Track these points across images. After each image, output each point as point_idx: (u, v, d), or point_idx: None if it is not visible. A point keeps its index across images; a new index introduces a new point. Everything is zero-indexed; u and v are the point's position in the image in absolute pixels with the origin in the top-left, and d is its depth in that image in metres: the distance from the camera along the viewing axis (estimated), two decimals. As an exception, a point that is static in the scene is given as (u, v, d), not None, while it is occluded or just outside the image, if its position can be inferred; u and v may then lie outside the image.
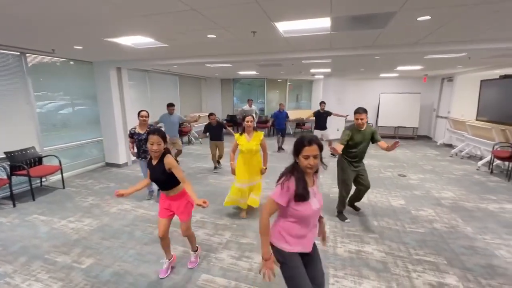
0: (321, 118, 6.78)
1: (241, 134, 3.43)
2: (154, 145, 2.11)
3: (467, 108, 7.46)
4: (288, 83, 11.11)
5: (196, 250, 2.55)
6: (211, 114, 5.58)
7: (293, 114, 10.51)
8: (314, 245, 1.66)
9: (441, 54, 4.58)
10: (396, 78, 9.89)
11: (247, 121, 3.35)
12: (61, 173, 4.62)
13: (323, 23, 2.81)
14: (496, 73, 6.48)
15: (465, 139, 6.77)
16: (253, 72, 8.42)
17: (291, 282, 1.55)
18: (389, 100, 9.72)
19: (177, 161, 6.56)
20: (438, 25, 2.87)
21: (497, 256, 2.68)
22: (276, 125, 7.45)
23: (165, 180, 2.20)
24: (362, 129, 3.16)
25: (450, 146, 7.85)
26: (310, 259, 1.63)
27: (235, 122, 10.62)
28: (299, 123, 10.47)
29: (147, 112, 3.87)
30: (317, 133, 6.79)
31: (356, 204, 3.69)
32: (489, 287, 2.25)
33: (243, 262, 2.58)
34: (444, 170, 5.64)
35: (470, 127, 6.53)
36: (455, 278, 2.36)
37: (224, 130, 5.66)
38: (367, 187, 3.38)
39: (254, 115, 7.41)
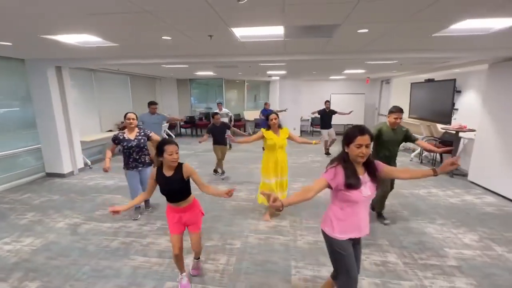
0: (326, 117, 6.90)
1: (267, 130, 3.40)
2: (173, 154, 2.00)
3: (401, 107, 8.55)
4: (246, 83, 11.27)
5: (199, 258, 2.51)
6: (215, 114, 5.11)
7: (251, 115, 10.74)
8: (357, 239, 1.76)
9: (378, 60, 5.20)
10: (344, 80, 10.81)
11: (272, 119, 3.35)
12: (-11, 188, 3.99)
13: (277, 30, 2.98)
14: (423, 77, 7.58)
15: (400, 134, 7.76)
16: (210, 73, 8.34)
17: (341, 268, 1.68)
18: (338, 100, 10.57)
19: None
20: (374, 37, 3.28)
21: (426, 233, 3.19)
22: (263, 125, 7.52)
23: (181, 190, 2.12)
24: (394, 128, 3.20)
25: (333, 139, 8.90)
26: (358, 247, 1.76)
27: (194, 124, 10.39)
28: (258, 123, 10.72)
29: (134, 114, 3.36)
30: (323, 132, 6.87)
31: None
32: (420, 260, 2.68)
33: (209, 265, 2.60)
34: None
35: (404, 124, 7.51)
36: (395, 256, 2.75)
37: (227, 131, 5.10)
38: (390, 190, 3.47)
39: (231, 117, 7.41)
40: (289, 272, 2.49)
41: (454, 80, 6.17)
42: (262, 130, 3.41)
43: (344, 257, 1.65)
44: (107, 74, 7.22)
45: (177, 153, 2.04)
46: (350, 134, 1.56)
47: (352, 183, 1.54)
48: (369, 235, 1.76)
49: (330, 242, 1.69)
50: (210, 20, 2.59)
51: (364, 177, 1.61)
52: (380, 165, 1.67)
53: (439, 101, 6.62)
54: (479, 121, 4.86)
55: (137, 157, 3.37)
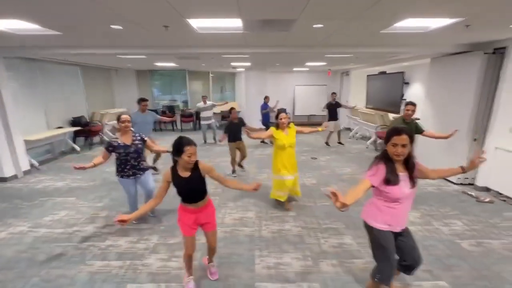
0: (332, 109, 7.00)
1: (276, 128, 3.35)
2: (192, 156, 1.88)
3: (359, 98, 9.13)
4: (210, 75, 11.01)
5: (213, 261, 2.43)
6: (232, 109, 4.78)
7: (218, 107, 10.57)
8: (407, 228, 1.83)
9: (336, 54, 5.44)
10: (307, 72, 11.14)
11: (281, 118, 3.29)
12: None
13: (236, 23, 2.95)
14: (377, 69, 8.14)
15: (358, 123, 8.32)
16: (171, 64, 7.98)
17: (379, 256, 1.78)
18: (302, 92, 10.91)
19: (155, 167, 5.08)
20: (329, 32, 3.42)
21: (377, 214, 3.51)
22: (264, 119, 7.36)
23: (200, 190, 2.05)
24: (408, 121, 3.35)
25: (349, 129, 9.49)
26: (403, 238, 1.81)
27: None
28: (224, 115, 10.61)
29: (129, 116, 2.94)
30: (330, 124, 6.87)
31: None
32: (372, 239, 2.96)
33: (174, 263, 2.57)
34: (344, 150, 6.83)
35: (361, 113, 8.05)
36: (350, 237, 2.99)
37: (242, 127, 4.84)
38: None
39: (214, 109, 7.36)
40: (253, 261, 2.58)
41: (403, 72, 6.74)
42: (272, 129, 3.38)
43: (382, 246, 1.75)
44: (53, 64, 6.49)
45: (195, 154, 1.91)
46: (388, 133, 1.66)
47: (390, 179, 1.64)
48: (405, 230, 1.82)
49: (370, 231, 1.81)
50: (163, 11, 2.46)
51: (403, 174, 1.68)
52: (418, 165, 1.75)
53: (390, 92, 7.20)
54: (422, 110, 5.40)
55: (135, 163, 2.96)
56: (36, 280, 2.35)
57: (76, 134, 6.90)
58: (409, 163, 1.69)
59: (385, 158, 1.68)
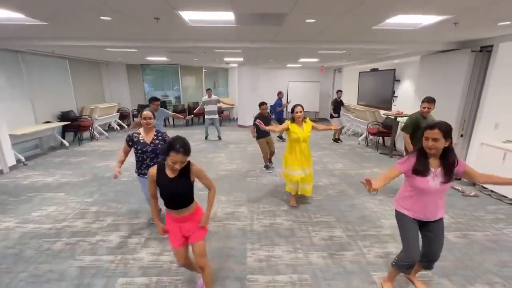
0: (338, 106, 7.18)
1: (291, 122, 3.34)
2: (177, 164, 1.68)
3: (352, 95, 9.22)
4: (203, 70, 10.91)
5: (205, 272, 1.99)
6: (262, 104, 4.67)
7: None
8: (439, 223, 1.85)
9: (328, 50, 5.46)
10: (300, 68, 11.16)
11: (297, 112, 3.28)
12: None
13: (228, 16, 2.92)
14: (369, 66, 8.22)
15: (350, 120, 8.41)
16: (163, 58, 7.86)
17: (403, 239, 1.89)
18: (295, 88, 10.93)
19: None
20: (322, 27, 3.43)
21: (367, 208, 3.58)
22: (278, 115, 7.47)
23: (186, 194, 1.83)
24: (426, 117, 3.31)
25: (342, 126, 9.59)
26: (427, 232, 1.87)
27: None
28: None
29: (152, 113, 2.74)
30: (334, 120, 7.08)
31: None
32: (361, 232, 3.01)
33: (165, 257, 2.57)
34: (336, 147, 6.91)
35: (353, 110, 8.14)
36: (340, 230, 3.04)
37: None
38: None
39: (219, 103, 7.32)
40: (244, 254, 2.60)
41: (394, 70, 6.83)
42: (288, 122, 3.37)
43: (405, 232, 1.87)
44: (40, 57, 6.29)
45: (180, 163, 1.70)
46: (423, 128, 1.73)
47: (418, 169, 1.72)
48: (434, 225, 1.85)
49: (397, 215, 1.94)
50: (153, 2, 2.42)
51: (436, 170, 1.71)
52: (462, 165, 1.73)
53: (382, 89, 7.29)
54: (412, 107, 5.50)
55: (151, 163, 2.80)
56: (24, 275, 2.31)
57: (65, 129, 6.75)
58: (447, 160, 1.70)
59: (419, 151, 1.76)
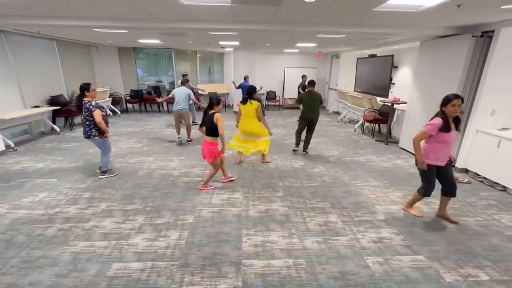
0: (304, 90, 7.23)
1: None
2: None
3: (348, 81, 9.10)
4: (198, 54, 10.61)
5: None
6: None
7: (207, 88, 10.30)
8: (447, 164, 2.75)
9: (327, 34, 5.31)
10: (297, 53, 10.92)
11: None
12: None
13: (223, -6, 2.77)
14: (367, 52, 8.07)
15: (346, 106, 8.35)
16: (156, 41, 7.58)
17: (426, 181, 2.83)
18: (292, 74, 10.74)
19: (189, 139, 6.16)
20: (321, 9, 3.29)
21: (362, 194, 3.60)
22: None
23: (209, 126, 3.38)
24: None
25: (338, 113, 9.54)
26: (445, 171, 2.76)
27: (142, 98, 9.56)
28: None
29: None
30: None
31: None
32: (356, 217, 3.04)
33: (160, 242, 2.56)
34: (332, 134, 6.89)
35: (350, 97, 8.06)
36: (335, 216, 3.06)
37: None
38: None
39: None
40: (240, 240, 2.60)
41: (392, 56, 6.71)
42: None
43: (429, 175, 2.79)
44: (25, 38, 5.99)
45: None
46: (448, 98, 2.52)
47: (446, 128, 2.55)
48: (447, 165, 2.76)
49: (428, 167, 2.74)
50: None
51: (452, 127, 2.60)
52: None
53: (379, 76, 7.19)
54: (409, 93, 5.45)
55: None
56: (15, 261, 2.28)
57: (56, 114, 6.55)
58: (457, 121, 2.64)
59: (442, 115, 2.58)
